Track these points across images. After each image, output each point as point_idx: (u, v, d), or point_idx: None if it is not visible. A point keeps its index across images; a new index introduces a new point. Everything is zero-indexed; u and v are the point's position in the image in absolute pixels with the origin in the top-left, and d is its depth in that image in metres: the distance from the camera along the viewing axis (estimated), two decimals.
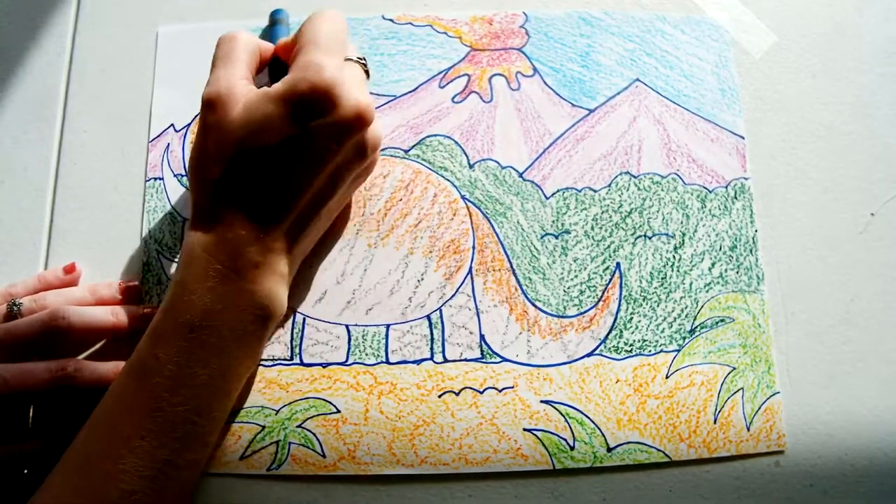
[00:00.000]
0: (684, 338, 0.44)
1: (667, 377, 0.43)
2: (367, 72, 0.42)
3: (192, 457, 0.37)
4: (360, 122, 0.38)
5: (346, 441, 0.42)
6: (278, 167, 0.37)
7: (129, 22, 0.50)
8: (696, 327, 0.44)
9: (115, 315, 0.41)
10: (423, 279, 0.45)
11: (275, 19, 0.47)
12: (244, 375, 0.40)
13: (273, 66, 0.42)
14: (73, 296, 0.42)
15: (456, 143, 0.47)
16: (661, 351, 0.44)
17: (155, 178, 0.47)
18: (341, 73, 0.38)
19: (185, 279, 0.37)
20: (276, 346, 0.44)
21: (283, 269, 0.39)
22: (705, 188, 0.47)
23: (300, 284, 0.44)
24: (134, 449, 0.35)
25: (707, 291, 0.45)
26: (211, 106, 0.38)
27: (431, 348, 0.44)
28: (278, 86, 0.37)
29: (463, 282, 0.45)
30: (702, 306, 0.44)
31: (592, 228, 0.46)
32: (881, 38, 0.50)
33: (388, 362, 0.43)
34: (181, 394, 0.36)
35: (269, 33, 0.47)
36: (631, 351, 0.44)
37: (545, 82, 0.48)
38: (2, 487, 0.39)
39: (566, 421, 0.42)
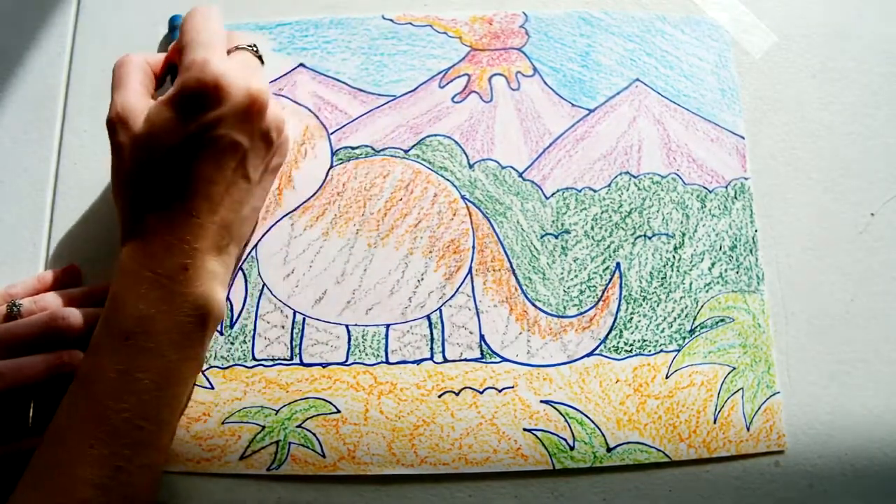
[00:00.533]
0: (684, 338, 0.44)
1: (667, 377, 0.43)
2: (259, 57, 0.42)
3: (144, 461, 0.37)
4: (254, 107, 0.39)
5: (346, 441, 0.42)
6: (186, 167, 0.38)
7: (129, 22, 0.50)
8: (696, 327, 0.44)
9: None
10: (423, 279, 0.45)
11: (173, 25, 0.48)
12: (190, 378, 0.40)
13: (173, 72, 0.43)
14: (72, 297, 0.42)
15: (456, 143, 0.47)
16: (661, 351, 0.44)
17: None
18: (226, 63, 0.39)
19: (118, 290, 0.38)
20: (276, 346, 0.44)
21: (215, 268, 0.39)
22: (705, 188, 0.47)
23: (300, 284, 0.44)
24: (84, 458, 0.35)
25: (707, 291, 0.45)
26: (113, 128, 0.39)
27: (431, 348, 0.44)
28: (170, 90, 0.38)
29: (463, 282, 0.45)
30: (702, 306, 0.44)
31: (592, 228, 0.46)
32: (881, 38, 0.50)
33: (387, 362, 0.43)
34: (125, 400, 0.36)
35: (170, 40, 0.47)
36: (631, 351, 0.44)
37: (545, 82, 0.48)
38: (2, 486, 0.39)
39: (566, 421, 0.42)
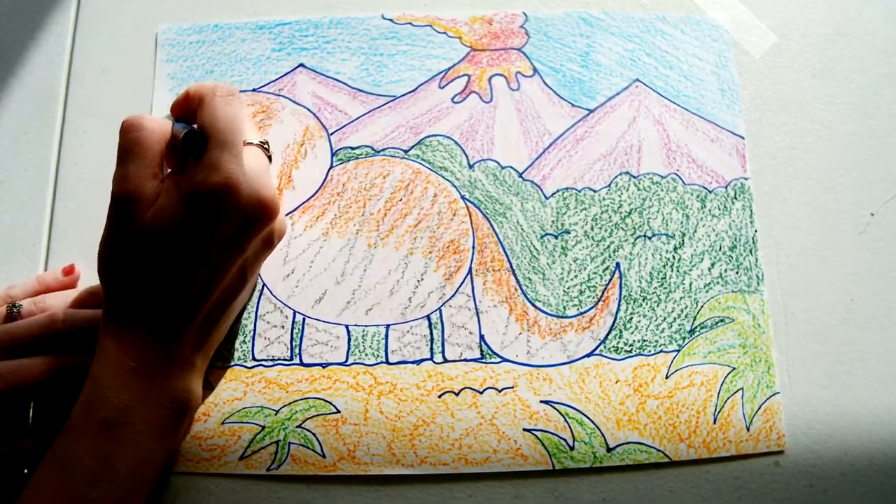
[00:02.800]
0: (684, 338, 0.44)
1: (666, 377, 0.43)
2: (269, 156, 0.42)
3: None
4: (264, 216, 0.39)
5: (346, 441, 0.42)
6: (188, 268, 0.38)
7: (129, 22, 0.50)
8: (696, 327, 0.44)
9: None
10: (422, 279, 0.45)
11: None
12: (163, 463, 0.39)
13: (185, 139, 0.39)
14: (71, 298, 0.42)
15: (456, 143, 0.47)
16: (661, 351, 0.44)
17: None
18: (240, 168, 0.38)
19: (100, 375, 0.37)
20: (276, 346, 0.44)
21: (197, 363, 0.40)
22: (705, 188, 0.47)
23: (300, 284, 0.44)
24: None
25: (707, 291, 0.45)
26: (121, 205, 0.38)
27: (431, 348, 0.44)
28: (184, 185, 0.37)
29: (463, 282, 0.45)
30: (702, 306, 0.44)
31: (592, 228, 0.46)
32: (881, 38, 0.50)
33: (387, 362, 0.43)
34: (101, 486, 0.36)
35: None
36: (631, 351, 0.44)
37: (545, 82, 0.48)
38: (2, 486, 0.39)
39: (566, 421, 0.42)
